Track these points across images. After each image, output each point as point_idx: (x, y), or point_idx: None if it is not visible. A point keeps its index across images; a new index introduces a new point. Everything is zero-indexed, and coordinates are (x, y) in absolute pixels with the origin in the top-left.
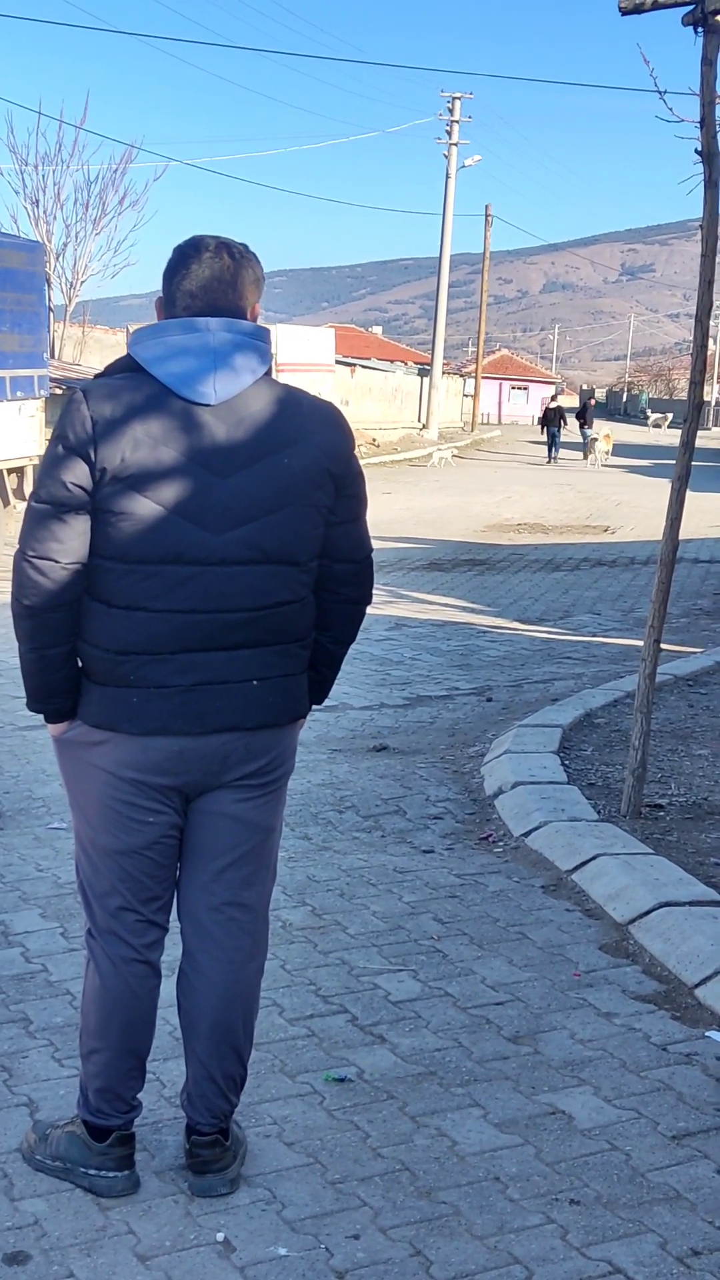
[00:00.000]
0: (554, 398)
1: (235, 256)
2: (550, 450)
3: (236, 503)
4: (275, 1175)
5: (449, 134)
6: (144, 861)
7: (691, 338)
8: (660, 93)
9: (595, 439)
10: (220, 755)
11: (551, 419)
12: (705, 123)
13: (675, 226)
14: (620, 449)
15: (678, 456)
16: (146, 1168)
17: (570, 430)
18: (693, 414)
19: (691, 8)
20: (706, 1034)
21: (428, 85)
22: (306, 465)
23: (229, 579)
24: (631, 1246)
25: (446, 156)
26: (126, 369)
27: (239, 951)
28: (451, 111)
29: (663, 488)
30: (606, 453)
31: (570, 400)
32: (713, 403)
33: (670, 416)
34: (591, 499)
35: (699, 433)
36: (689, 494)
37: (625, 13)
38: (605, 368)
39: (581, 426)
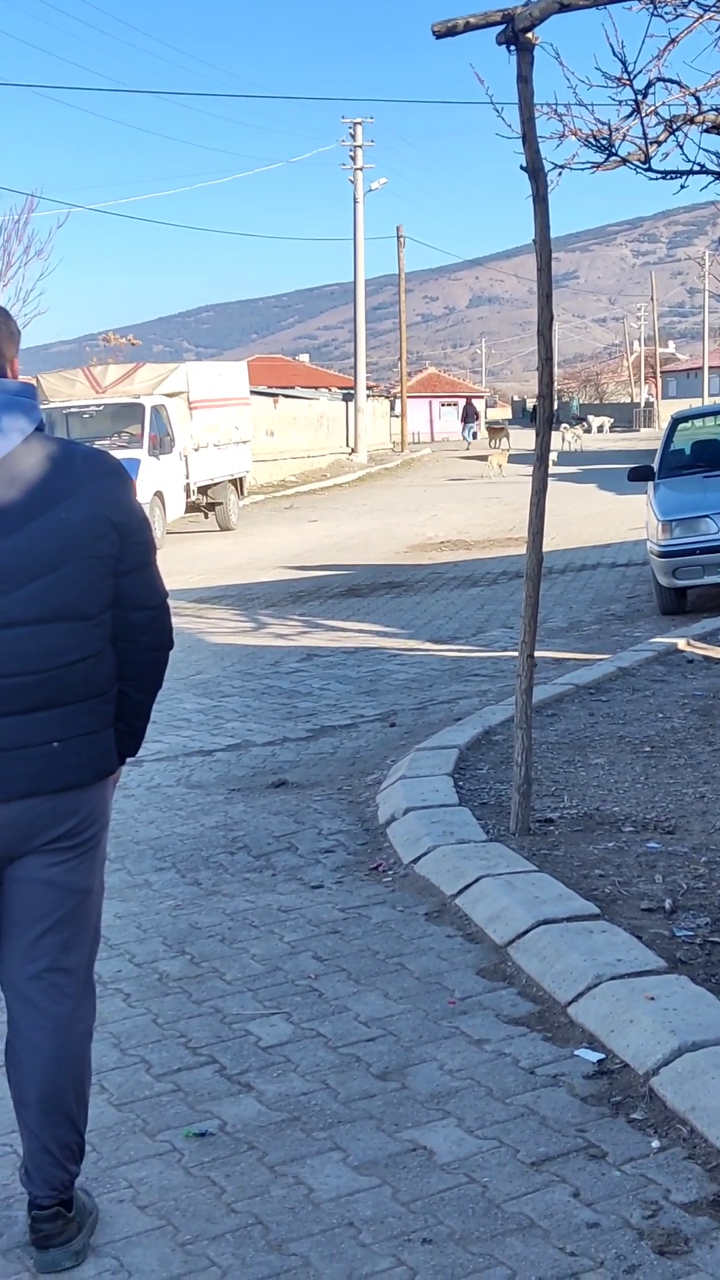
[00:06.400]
0: (468, 401)
1: None
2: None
3: (18, 562)
4: (125, 1242)
5: (353, 159)
6: None
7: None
8: (495, 106)
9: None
10: (25, 821)
11: (468, 416)
12: (527, 139)
13: (594, 233)
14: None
15: (534, 470)
16: None
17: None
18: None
19: (503, 27)
20: (575, 1052)
21: (327, 113)
22: (84, 517)
23: (18, 641)
24: None
25: (352, 181)
26: None
27: (62, 1018)
28: (354, 137)
29: (589, 494)
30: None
31: (504, 411)
32: (641, 404)
33: (589, 424)
34: (517, 510)
35: (637, 432)
36: (611, 497)
37: (439, 35)
38: (536, 377)
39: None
